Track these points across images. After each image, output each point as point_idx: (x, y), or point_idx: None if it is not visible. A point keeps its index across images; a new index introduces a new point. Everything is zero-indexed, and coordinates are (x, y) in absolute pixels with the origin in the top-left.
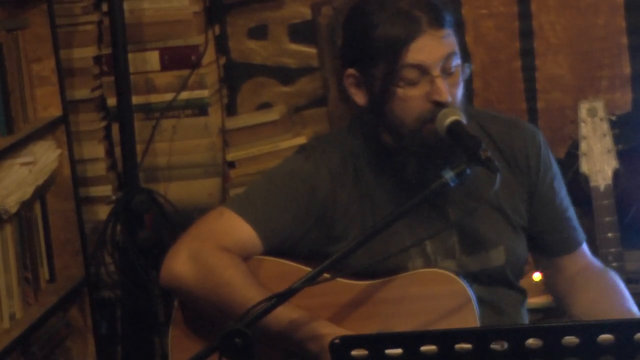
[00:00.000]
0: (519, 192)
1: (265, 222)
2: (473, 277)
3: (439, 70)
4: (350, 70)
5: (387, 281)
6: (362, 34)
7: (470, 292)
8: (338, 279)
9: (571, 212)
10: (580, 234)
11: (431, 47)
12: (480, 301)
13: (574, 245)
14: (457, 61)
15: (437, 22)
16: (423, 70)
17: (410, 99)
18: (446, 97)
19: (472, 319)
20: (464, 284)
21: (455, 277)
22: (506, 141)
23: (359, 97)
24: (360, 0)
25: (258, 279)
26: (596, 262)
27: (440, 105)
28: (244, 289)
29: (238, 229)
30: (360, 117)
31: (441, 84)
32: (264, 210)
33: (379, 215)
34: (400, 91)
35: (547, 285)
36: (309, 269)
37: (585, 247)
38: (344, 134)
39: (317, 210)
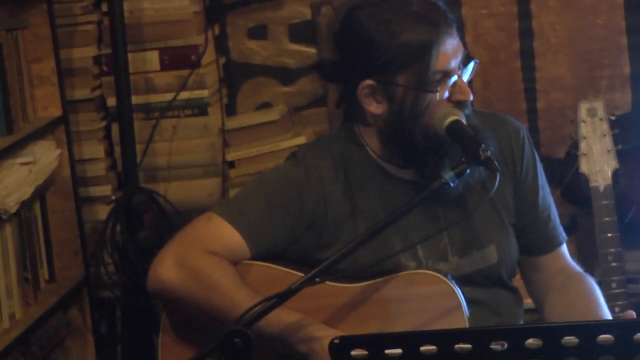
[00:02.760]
0: (507, 188)
1: (253, 229)
2: (467, 279)
3: (458, 71)
4: (368, 82)
5: (377, 283)
6: (382, 44)
7: (458, 292)
8: (329, 282)
9: (553, 211)
10: (561, 234)
11: (452, 50)
12: (476, 302)
13: (554, 245)
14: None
15: (449, 23)
16: (446, 73)
17: (438, 102)
18: (469, 95)
19: (460, 319)
20: (451, 284)
21: (443, 278)
22: (492, 136)
23: (376, 107)
24: (365, 9)
25: (247, 283)
26: (575, 265)
27: (462, 104)
28: (233, 292)
29: (226, 235)
30: (356, 124)
31: (463, 84)
32: (253, 217)
33: (371, 220)
34: (433, 96)
35: (525, 283)
36: (298, 274)
37: (564, 248)
38: (334, 139)
39: (307, 217)
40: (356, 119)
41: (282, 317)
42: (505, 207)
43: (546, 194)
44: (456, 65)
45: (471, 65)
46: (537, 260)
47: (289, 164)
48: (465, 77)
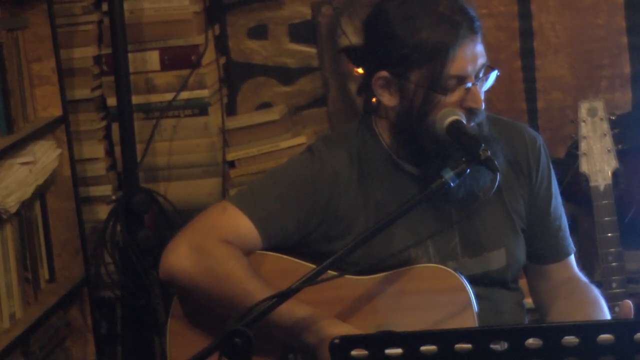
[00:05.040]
0: (520, 194)
1: (267, 221)
2: (472, 279)
3: (474, 78)
4: (383, 73)
5: (387, 276)
6: (402, 38)
7: (468, 287)
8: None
9: (564, 222)
10: (570, 244)
11: (471, 56)
12: (479, 298)
13: (562, 255)
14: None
15: (473, 29)
16: (461, 79)
17: (447, 105)
18: (481, 104)
19: (470, 313)
20: (462, 279)
21: (454, 273)
22: (509, 143)
23: (388, 99)
24: (395, 1)
25: (259, 273)
26: (581, 276)
27: (473, 111)
28: (245, 281)
29: (241, 225)
30: (375, 116)
31: (477, 92)
32: (267, 209)
33: (382, 213)
34: (443, 98)
35: (530, 290)
36: (310, 265)
37: (572, 259)
38: (352, 133)
39: (320, 211)
40: (372, 108)
41: (294, 310)
42: (517, 212)
43: (558, 204)
44: (473, 72)
45: (492, 75)
46: (544, 269)
47: (304, 158)
48: (484, 87)
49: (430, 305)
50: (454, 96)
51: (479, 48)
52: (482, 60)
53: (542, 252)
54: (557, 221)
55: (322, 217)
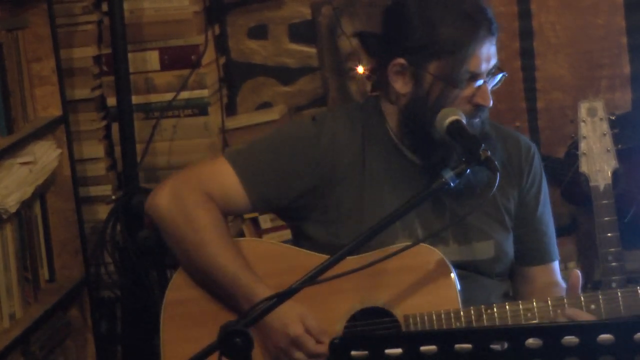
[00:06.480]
0: (511, 194)
1: (254, 176)
2: (461, 265)
3: (485, 77)
4: (400, 60)
5: (370, 255)
6: (424, 29)
7: (449, 265)
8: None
9: (550, 230)
10: (554, 252)
11: (487, 56)
12: (460, 279)
13: (544, 259)
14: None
15: (492, 31)
16: (474, 75)
17: (458, 99)
18: (489, 102)
19: (452, 289)
20: (444, 257)
21: (436, 251)
22: (503, 145)
23: (401, 86)
24: None
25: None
26: (563, 284)
27: (480, 108)
28: (204, 231)
29: (227, 178)
30: (383, 101)
31: (487, 89)
32: (257, 166)
33: (373, 192)
34: (458, 92)
35: (513, 293)
36: (292, 246)
37: (556, 266)
38: (358, 108)
39: (315, 175)
40: (382, 94)
41: (232, 270)
42: (507, 210)
43: (546, 213)
44: (486, 70)
45: (499, 76)
46: (527, 271)
47: (306, 121)
48: (490, 86)
49: (413, 281)
50: (466, 91)
51: (494, 49)
52: (494, 61)
53: (526, 252)
54: (543, 226)
55: (316, 181)
